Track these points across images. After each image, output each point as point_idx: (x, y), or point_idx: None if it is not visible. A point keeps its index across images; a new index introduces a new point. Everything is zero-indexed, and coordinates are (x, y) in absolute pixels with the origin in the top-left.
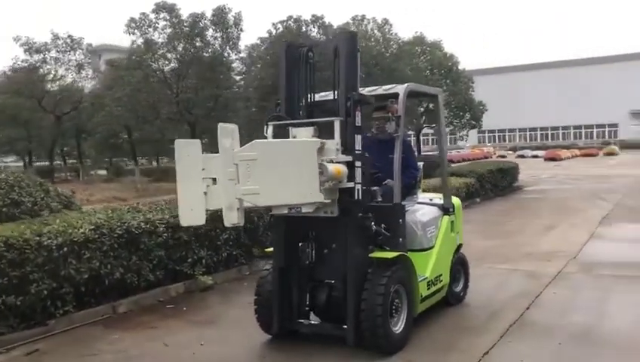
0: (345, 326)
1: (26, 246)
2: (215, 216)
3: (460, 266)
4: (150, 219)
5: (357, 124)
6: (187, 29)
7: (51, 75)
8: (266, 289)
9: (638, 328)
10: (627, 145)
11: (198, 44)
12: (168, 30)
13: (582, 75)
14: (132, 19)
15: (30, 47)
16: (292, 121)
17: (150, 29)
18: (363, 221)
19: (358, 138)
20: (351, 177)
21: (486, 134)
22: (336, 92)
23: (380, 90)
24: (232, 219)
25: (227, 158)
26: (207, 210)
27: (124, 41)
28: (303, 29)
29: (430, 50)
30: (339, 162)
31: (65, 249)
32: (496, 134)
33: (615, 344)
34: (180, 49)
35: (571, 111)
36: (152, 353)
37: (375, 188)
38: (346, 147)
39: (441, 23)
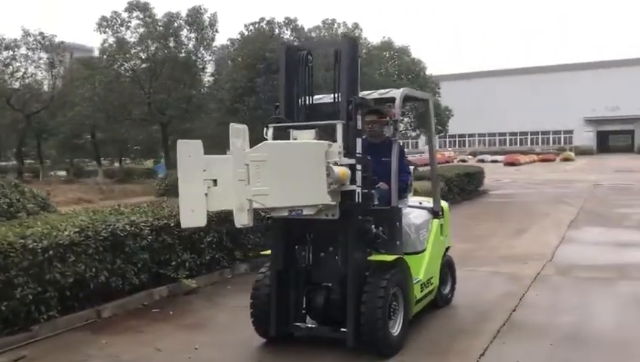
0: (342, 329)
1: (10, 249)
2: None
3: (447, 269)
4: (135, 221)
5: (358, 128)
6: (161, 28)
7: (20, 73)
8: (262, 293)
9: (624, 329)
10: (581, 151)
11: (171, 44)
12: (141, 29)
13: (539, 83)
14: (103, 18)
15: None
16: (294, 124)
17: (122, 28)
18: (363, 224)
19: (359, 141)
20: (352, 180)
21: (447, 139)
22: (336, 95)
23: (376, 94)
24: (243, 220)
25: (238, 159)
26: (208, 212)
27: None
28: (276, 31)
29: (398, 55)
30: (342, 165)
31: (50, 252)
32: (457, 139)
33: (605, 344)
34: (153, 49)
35: (529, 118)
36: (145, 358)
37: (372, 191)
38: (348, 150)
39: (408, 29)
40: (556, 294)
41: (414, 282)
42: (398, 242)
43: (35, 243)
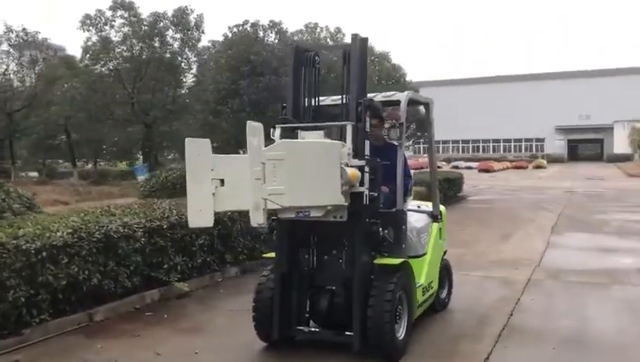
0: (347, 333)
1: (2, 250)
2: None
3: (445, 272)
4: (127, 223)
5: (366, 130)
6: (147, 28)
7: (2, 70)
8: (265, 296)
9: (622, 332)
10: (552, 159)
11: (156, 44)
12: (126, 29)
13: (513, 91)
14: (87, 16)
15: None
16: (303, 125)
17: (106, 27)
18: (371, 226)
19: (367, 143)
20: (361, 182)
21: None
22: (344, 97)
23: (380, 96)
24: (259, 219)
25: (255, 157)
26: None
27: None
28: (261, 34)
29: (379, 60)
30: (352, 166)
31: (43, 253)
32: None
33: (606, 347)
34: (138, 48)
35: (502, 125)
36: None
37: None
38: (356, 152)
39: (389, 36)
40: (551, 298)
41: (417, 286)
42: (403, 245)
43: (28, 245)
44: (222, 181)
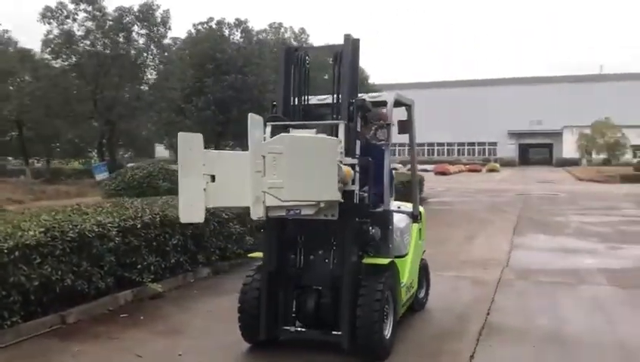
0: (334, 333)
1: None
2: (165, 221)
3: (423, 272)
4: (101, 222)
5: (357, 129)
6: (112, 22)
7: None
8: (251, 297)
9: (597, 330)
10: (504, 163)
11: (121, 39)
12: (89, 23)
13: (468, 95)
14: (48, 8)
15: None
16: (295, 123)
17: (69, 20)
18: (361, 226)
19: (358, 143)
20: (352, 181)
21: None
22: (334, 96)
23: (366, 96)
24: (259, 212)
25: (256, 150)
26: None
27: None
28: (226, 32)
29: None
30: (346, 164)
31: (16, 253)
32: None
33: (585, 345)
34: (102, 44)
35: (457, 129)
36: None
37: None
38: (347, 151)
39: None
40: (524, 298)
41: (401, 285)
42: (390, 245)
43: (0, 244)
44: (213, 177)
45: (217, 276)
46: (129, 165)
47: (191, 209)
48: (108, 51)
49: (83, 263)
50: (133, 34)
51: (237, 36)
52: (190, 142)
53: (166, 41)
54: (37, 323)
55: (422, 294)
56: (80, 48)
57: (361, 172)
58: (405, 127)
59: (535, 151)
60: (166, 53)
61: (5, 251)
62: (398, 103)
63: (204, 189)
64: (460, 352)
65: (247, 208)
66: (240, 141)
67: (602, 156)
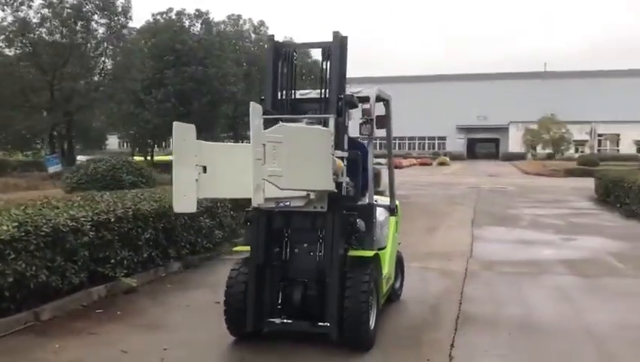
0: (320, 324)
1: None
2: (138, 215)
3: (399, 264)
4: (75, 216)
5: (345, 124)
6: (70, 10)
7: None
8: (237, 290)
9: (564, 316)
10: (453, 157)
11: (78, 28)
12: (45, 10)
13: (417, 90)
14: None
15: None
16: (284, 116)
17: (24, 7)
18: (348, 218)
19: (346, 137)
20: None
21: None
22: (322, 91)
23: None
24: (260, 199)
25: (257, 138)
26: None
27: None
28: (186, 23)
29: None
30: (337, 157)
31: None
32: None
33: (556, 331)
34: (59, 33)
35: (407, 123)
36: (114, 361)
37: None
38: (337, 144)
39: (311, 30)
40: (492, 288)
41: (382, 277)
42: (374, 238)
43: None
44: (204, 168)
45: (188, 270)
46: (79, 157)
47: (184, 199)
48: (66, 40)
49: (57, 258)
50: (93, 23)
51: (197, 27)
52: (184, 133)
53: (124, 31)
54: (10, 320)
55: (397, 285)
56: (36, 37)
57: (347, 165)
58: (383, 122)
59: (482, 145)
60: (128, 45)
61: None
62: (378, 98)
63: (196, 180)
64: (439, 341)
65: (237, 199)
66: (200, 134)
67: (547, 151)
